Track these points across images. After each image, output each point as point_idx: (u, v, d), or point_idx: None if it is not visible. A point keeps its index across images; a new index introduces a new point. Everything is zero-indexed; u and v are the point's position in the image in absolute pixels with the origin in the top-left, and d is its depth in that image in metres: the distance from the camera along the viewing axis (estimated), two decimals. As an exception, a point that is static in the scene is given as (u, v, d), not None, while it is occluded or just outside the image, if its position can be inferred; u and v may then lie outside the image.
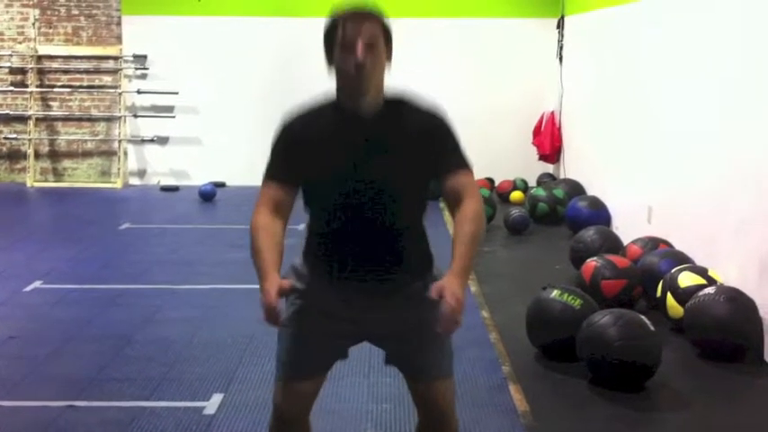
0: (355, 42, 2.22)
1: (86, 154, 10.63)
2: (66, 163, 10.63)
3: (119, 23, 10.33)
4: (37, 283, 5.67)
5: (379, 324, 2.39)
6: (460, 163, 2.34)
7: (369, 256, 2.34)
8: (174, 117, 10.35)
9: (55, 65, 10.47)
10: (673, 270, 4.81)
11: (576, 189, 8.26)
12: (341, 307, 2.36)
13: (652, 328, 3.95)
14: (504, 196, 9.25)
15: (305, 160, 2.31)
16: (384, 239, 2.34)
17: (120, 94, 10.38)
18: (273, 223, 2.29)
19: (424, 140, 2.31)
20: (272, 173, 2.35)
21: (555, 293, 4.33)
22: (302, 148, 2.31)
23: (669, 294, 4.68)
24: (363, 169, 2.29)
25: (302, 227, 2.42)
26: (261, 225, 2.28)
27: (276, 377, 2.42)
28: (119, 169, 10.44)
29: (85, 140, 10.59)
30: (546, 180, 9.52)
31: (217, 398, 3.70)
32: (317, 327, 2.38)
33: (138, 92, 10.35)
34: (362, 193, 2.30)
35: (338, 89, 2.32)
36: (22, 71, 10.44)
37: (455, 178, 2.31)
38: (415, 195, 2.39)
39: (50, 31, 10.40)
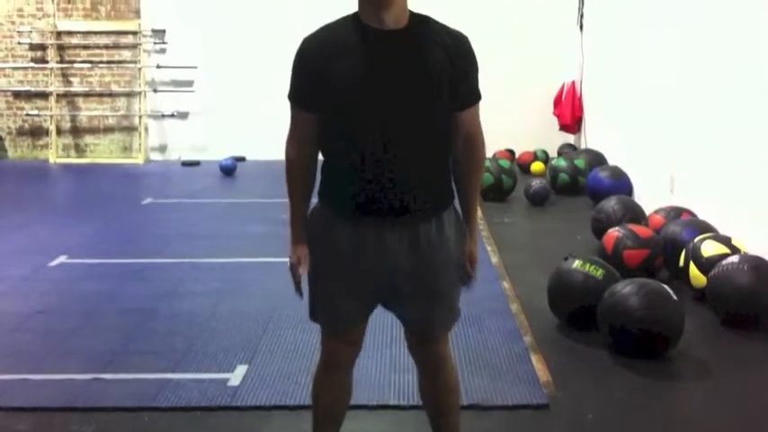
0: None
1: (108, 130, 10.69)
2: (88, 139, 10.70)
3: (137, -2, 10.36)
4: (62, 258, 5.73)
5: (399, 262, 2.34)
6: (476, 97, 2.39)
7: (390, 181, 2.26)
8: (193, 92, 10.37)
9: (74, 40, 10.51)
10: (696, 239, 4.77)
11: (597, 159, 8.21)
12: (361, 247, 2.33)
13: (674, 297, 3.94)
14: (524, 167, 9.21)
15: (329, 79, 2.23)
16: (409, 164, 2.26)
17: (139, 68, 10.41)
18: (306, 159, 2.37)
19: (450, 60, 2.27)
20: (299, 98, 2.32)
21: (577, 264, 4.32)
22: (325, 66, 2.23)
23: (692, 263, 4.65)
24: (390, 83, 2.22)
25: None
26: (295, 164, 2.37)
27: (322, 334, 2.53)
28: (140, 145, 10.50)
29: (106, 116, 10.65)
30: (567, 150, 9.46)
31: (241, 369, 3.73)
32: (344, 274, 2.37)
33: (158, 66, 10.38)
34: (389, 108, 2.23)
35: (361, 4, 2.26)
36: (42, 47, 10.49)
37: (470, 112, 2.37)
38: (442, 115, 2.31)
39: (69, 6, 10.43)
